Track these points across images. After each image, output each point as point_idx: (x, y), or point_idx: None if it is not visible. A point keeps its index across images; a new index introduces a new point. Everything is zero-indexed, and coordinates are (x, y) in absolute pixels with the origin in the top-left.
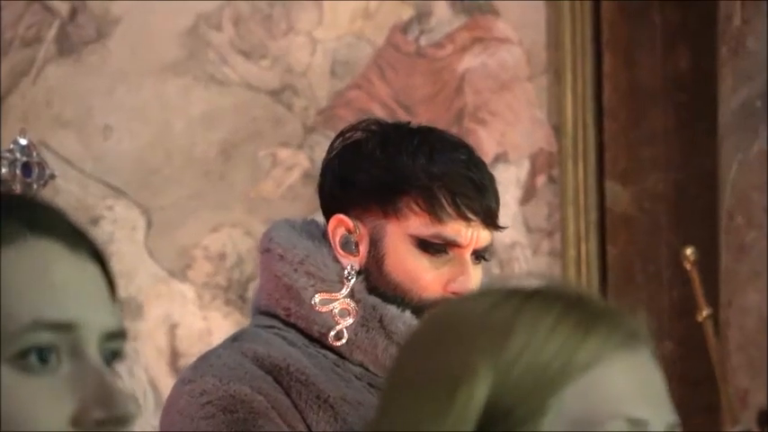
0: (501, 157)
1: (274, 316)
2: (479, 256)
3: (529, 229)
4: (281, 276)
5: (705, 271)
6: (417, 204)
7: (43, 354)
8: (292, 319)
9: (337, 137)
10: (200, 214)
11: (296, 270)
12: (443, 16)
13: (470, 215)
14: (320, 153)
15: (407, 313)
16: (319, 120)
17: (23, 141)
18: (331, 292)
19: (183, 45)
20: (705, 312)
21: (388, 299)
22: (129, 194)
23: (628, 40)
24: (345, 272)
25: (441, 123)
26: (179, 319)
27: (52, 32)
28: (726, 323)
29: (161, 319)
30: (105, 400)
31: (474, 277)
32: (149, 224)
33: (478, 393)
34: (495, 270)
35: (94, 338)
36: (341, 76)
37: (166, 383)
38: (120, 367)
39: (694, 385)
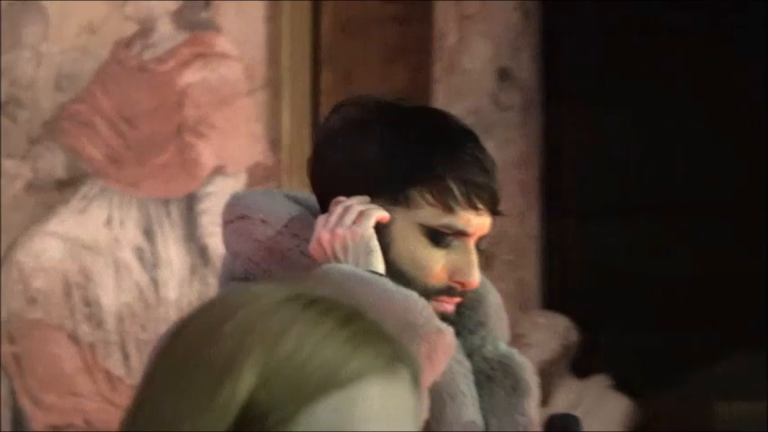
0: (219, 170)
1: (254, 279)
2: (479, 242)
3: None
4: (263, 240)
5: None
6: (431, 194)
7: None
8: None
9: (332, 112)
10: None
11: (280, 233)
12: (166, 32)
13: (480, 205)
14: (43, 164)
15: None
16: (44, 132)
17: None
18: None
19: None
20: None
21: None
22: None
23: (346, 57)
24: None
25: (161, 137)
26: None
27: None
28: None
29: None
30: None
31: (477, 264)
32: None
33: (241, 392)
34: (210, 278)
35: None
36: (65, 89)
37: None
38: None
39: None
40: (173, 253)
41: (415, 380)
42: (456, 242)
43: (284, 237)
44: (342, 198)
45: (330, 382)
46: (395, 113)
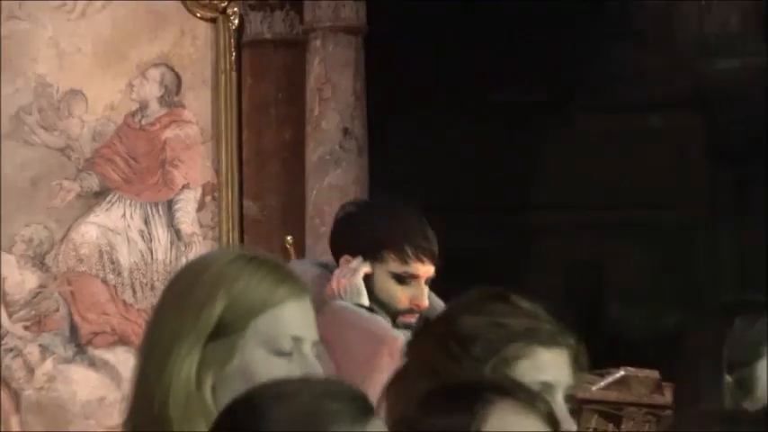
0: (186, 186)
1: None
2: (427, 280)
3: (201, 225)
4: None
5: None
6: (394, 254)
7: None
8: None
9: (340, 209)
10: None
11: (309, 282)
12: (155, 108)
13: (425, 259)
14: (86, 184)
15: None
16: (86, 165)
17: None
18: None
19: (10, 122)
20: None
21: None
22: None
23: (257, 122)
24: None
25: (153, 168)
26: None
27: None
28: None
29: None
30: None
31: (426, 293)
32: None
33: (216, 311)
34: (182, 247)
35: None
36: (98, 140)
37: None
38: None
39: None
40: (160, 233)
41: (313, 302)
42: (412, 281)
43: (311, 285)
44: (348, 257)
45: (266, 304)
46: (375, 209)
